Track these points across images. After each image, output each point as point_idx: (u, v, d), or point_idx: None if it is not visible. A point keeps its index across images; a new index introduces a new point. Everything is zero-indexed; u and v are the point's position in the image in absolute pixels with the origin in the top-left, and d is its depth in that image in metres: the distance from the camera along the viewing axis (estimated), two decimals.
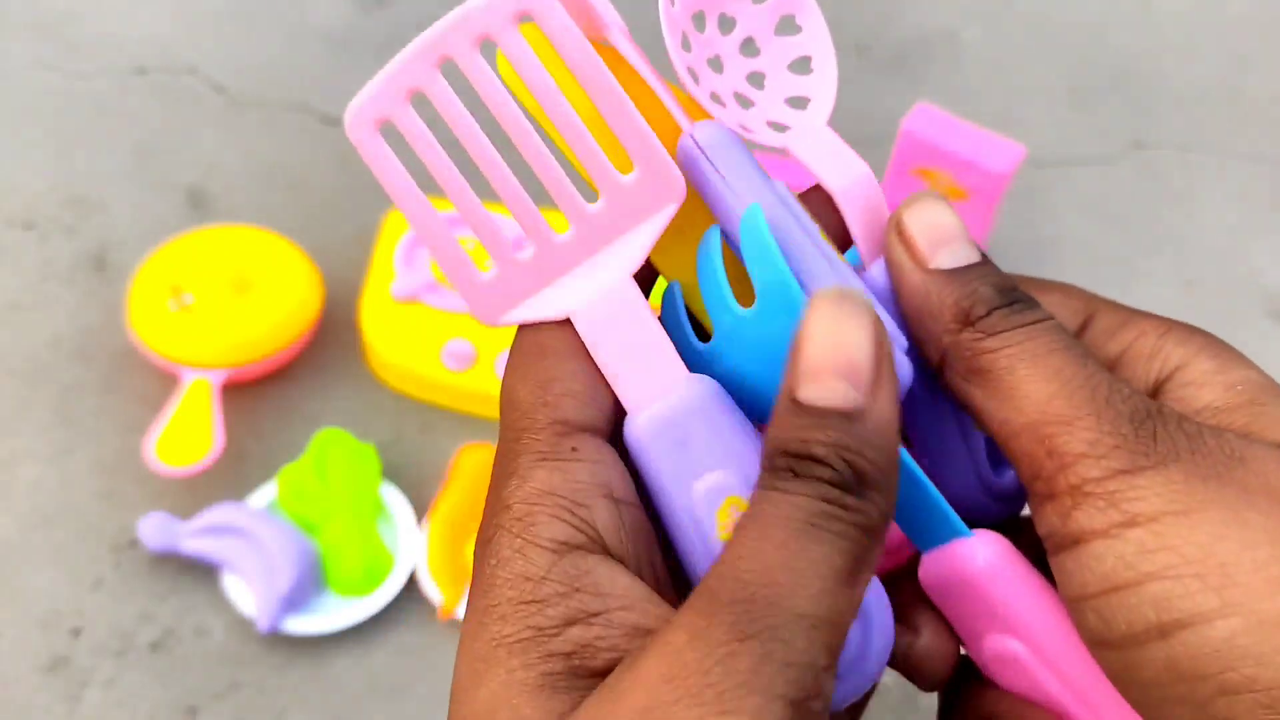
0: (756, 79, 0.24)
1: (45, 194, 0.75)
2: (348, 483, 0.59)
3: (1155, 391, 0.21)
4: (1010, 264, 0.84)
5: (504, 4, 0.20)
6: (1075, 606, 0.18)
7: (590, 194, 0.21)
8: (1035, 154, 0.83)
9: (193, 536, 0.56)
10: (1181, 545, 0.16)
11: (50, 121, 0.80)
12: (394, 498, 0.60)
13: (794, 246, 0.20)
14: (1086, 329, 0.23)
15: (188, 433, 0.59)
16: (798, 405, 0.18)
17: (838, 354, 0.17)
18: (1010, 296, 0.20)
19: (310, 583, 0.56)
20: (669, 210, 0.21)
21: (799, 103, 0.24)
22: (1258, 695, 0.15)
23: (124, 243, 0.72)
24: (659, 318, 0.21)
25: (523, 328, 0.21)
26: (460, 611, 0.56)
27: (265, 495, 0.59)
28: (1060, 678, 0.20)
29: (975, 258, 0.21)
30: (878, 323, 0.18)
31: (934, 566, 0.21)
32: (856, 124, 0.85)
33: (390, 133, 0.21)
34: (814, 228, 0.21)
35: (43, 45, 0.85)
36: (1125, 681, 0.18)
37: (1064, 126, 0.86)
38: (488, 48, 0.21)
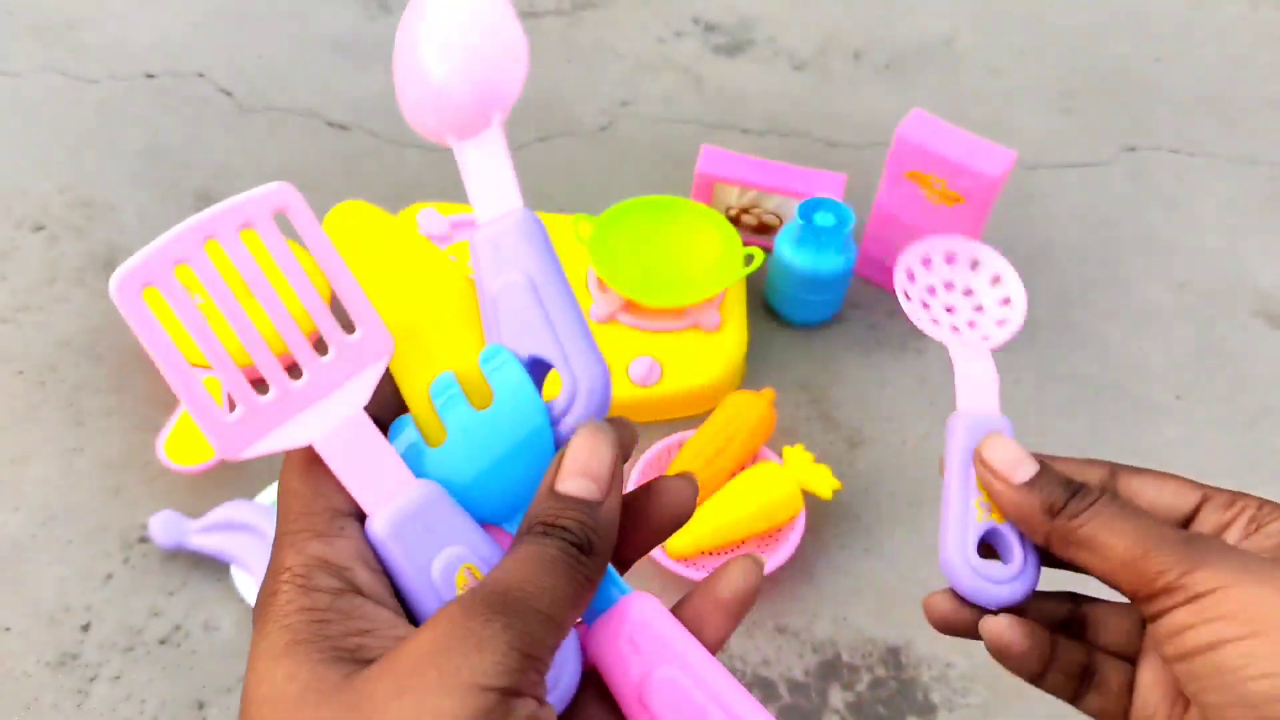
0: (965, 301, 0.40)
1: (55, 196, 0.76)
2: None
3: (1244, 541, 0.31)
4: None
5: (263, 202, 0.25)
6: (1169, 648, 0.29)
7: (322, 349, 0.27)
8: (1028, 158, 0.84)
9: (201, 533, 0.57)
10: (1227, 604, 0.28)
11: (60, 125, 0.81)
12: None
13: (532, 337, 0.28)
14: (1203, 506, 0.32)
15: (196, 431, 0.60)
16: (555, 494, 0.26)
17: (589, 464, 0.26)
18: (1073, 489, 0.31)
19: None
20: (384, 361, 0.26)
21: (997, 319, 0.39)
22: (1267, 683, 0.27)
23: (133, 244, 0.73)
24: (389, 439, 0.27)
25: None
26: None
27: (273, 493, 0.60)
28: (709, 694, 0.26)
29: (1037, 467, 0.32)
30: (617, 447, 0.27)
31: (609, 621, 0.27)
32: (853, 129, 0.87)
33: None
34: (565, 301, 0.28)
35: (52, 50, 0.86)
36: (1196, 681, 0.29)
37: (1056, 130, 0.87)
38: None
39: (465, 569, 0.26)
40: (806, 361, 0.70)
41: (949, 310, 0.41)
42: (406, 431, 0.27)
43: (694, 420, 0.65)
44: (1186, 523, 0.33)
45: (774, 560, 0.58)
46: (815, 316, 0.71)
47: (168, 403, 0.64)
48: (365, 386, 0.26)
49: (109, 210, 0.75)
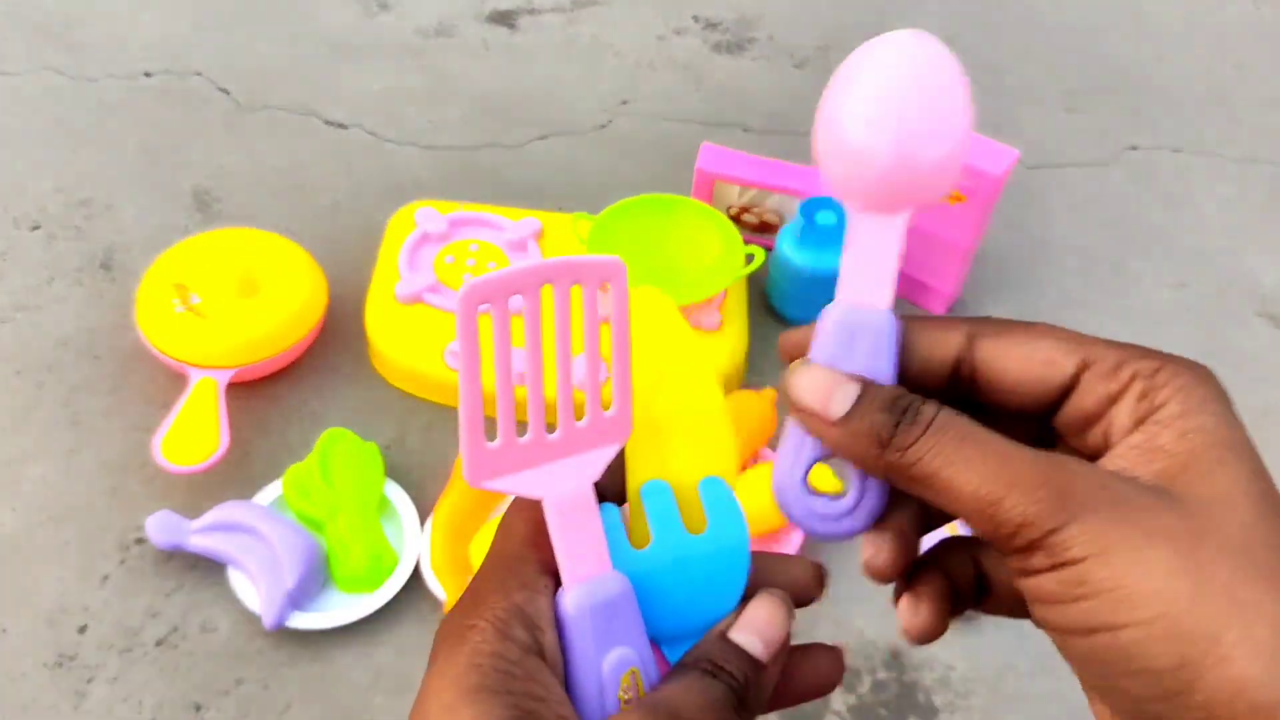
0: None
1: (52, 196, 0.76)
2: (352, 481, 0.59)
3: (1134, 429, 0.25)
4: (1005, 266, 0.84)
5: (599, 267, 0.27)
6: (1040, 613, 0.25)
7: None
8: (1030, 157, 0.84)
9: (199, 534, 0.57)
10: (1099, 578, 0.23)
11: (58, 124, 0.80)
12: (398, 496, 0.60)
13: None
14: (1083, 373, 0.26)
15: (194, 432, 0.59)
16: (727, 640, 0.27)
17: (765, 628, 0.27)
18: (897, 412, 0.26)
19: (315, 580, 0.57)
20: (619, 445, 0.27)
21: None
22: (1148, 678, 0.22)
23: (131, 244, 0.73)
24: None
25: None
26: None
27: (271, 493, 0.60)
28: None
29: (855, 392, 0.26)
30: (788, 624, 0.27)
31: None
32: None
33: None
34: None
35: (50, 49, 0.86)
36: (1073, 661, 0.24)
37: (1058, 130, 0.87)
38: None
39: (632, 673, 0.27)
40: None
41: None
42: (613, 518, 0.28)
43: None
44: (1063, 396, 0.27)
45: None
46: (817, 315, 0.71)
47: (165, 403, 0.64)
48: (601, 462, 0.27)
49: (107, 209, 0.75)
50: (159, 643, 0.56)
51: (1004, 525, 0.24)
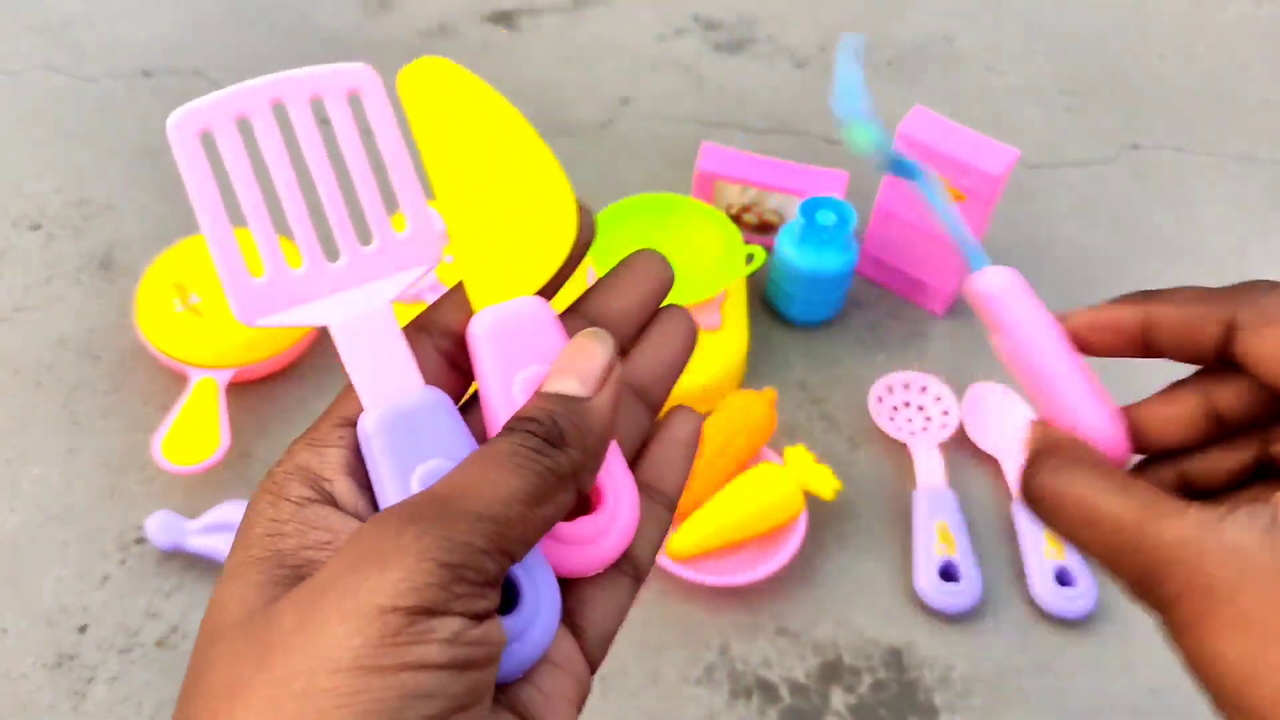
0: None
1: (51, 195, 0.76)
2: None
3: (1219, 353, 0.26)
4: (1006, 265, 0.84)
5: (339, 77, 0.25)
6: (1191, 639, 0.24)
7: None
8: (1030, 156, 0.84)
9: (199, 534, 0.57)
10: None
11: (57, 124, 0.80)
12: None
13: None
14: (1151, 329, 0.27)
15: (194, 432, 0.59)
16: (540, 393, 0.24)
17: (576, 363, 0.24)
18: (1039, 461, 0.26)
19: None
20: (423, 268, 0.26)
21: None
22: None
23: (130, 243, 0.73)
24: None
25: None
26: None
27: None
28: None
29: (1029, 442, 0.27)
30: (613, 351, 0.25)
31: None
32: None
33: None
34: None
35: (49, 48, 0.86)
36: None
37: (1058, 129, 0.87)
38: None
39: None
40: (808, 361, 0.70)
41: (909, 420, 0.65)
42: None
43: None
44: None
45: (775, 561, 0.58)
46: (817, 316, 0.71)
47: (165, 403, 0.64)
48: (399, 285, 0.25)
49: (106, 209, 0.75)
50: (159, 642, 0.56)
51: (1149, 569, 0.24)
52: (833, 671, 0.56)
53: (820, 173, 0.71)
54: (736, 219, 0.73)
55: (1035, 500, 0.26)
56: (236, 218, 0.25)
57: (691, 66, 0.90)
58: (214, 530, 0.57)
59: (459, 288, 0.26)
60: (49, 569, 0.58)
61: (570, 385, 0.24)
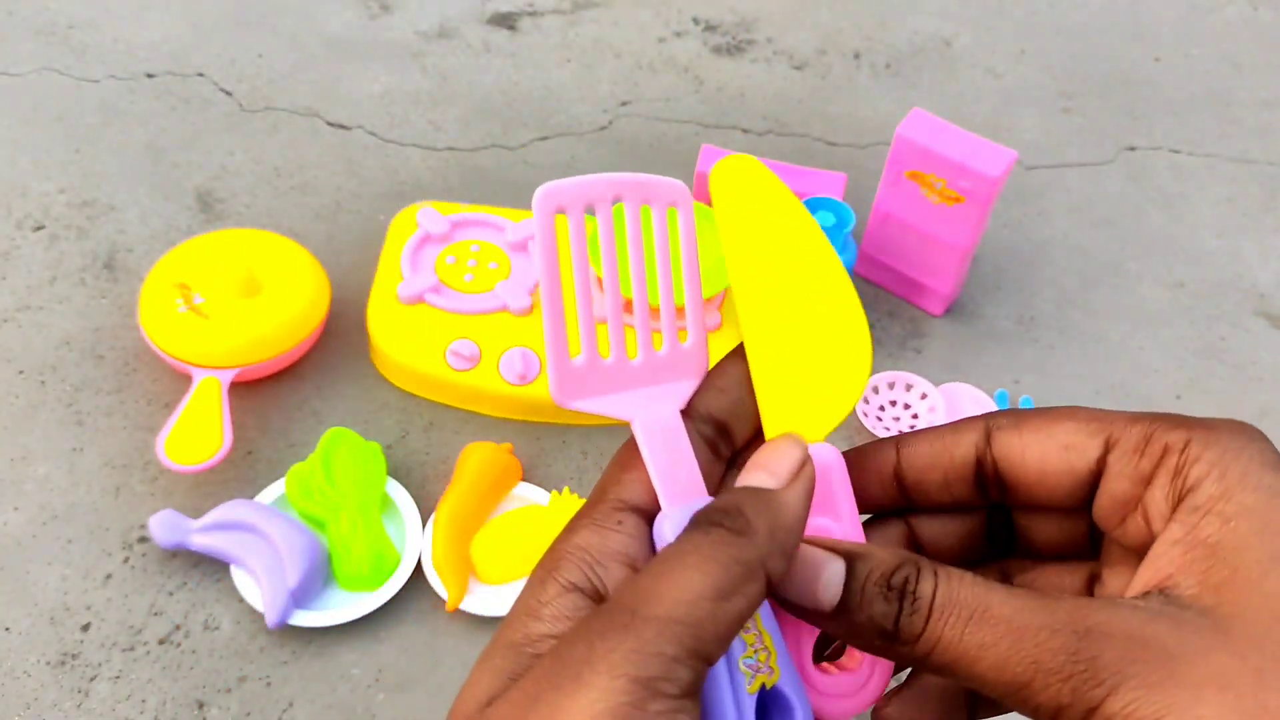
0: None
1: (55, 196, 0.76)
2: (354, 480, 0.60)
3: (1172, 515, 0.23)
4: (1003, 266, 0.84)
5: (665, 188, 0.26)
6: None
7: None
8: (1027, 157, 0.84)
9: (202, 533, 0.57)
10: None
11: (61, 125, 0.81)
12: (400, 495, 0.61)
13: None
14: (1109, 454, 0.25)
15: (197, 431, 0.60)
16: (729, 489, 0.24)
17: (770, 461, 0.24)
18: (895, 600, 0.23)
19: (318, 578, 0.57)
20: (696, 381, 0.27)
21: None
22: None
23: (133, 244, 0.73)
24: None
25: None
26: (465, 605, 0.57)
27: (273, 492, 0.60)
28: None
29: (841, 571, 0.24)
30: (805, 453, 0.25)
31: None
32: (853, 129, 0.87)
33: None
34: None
35: (53, 50, 0.86)
36: None
37: (1056, 130, 0.88)
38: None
39: None
40: None
41: (896, 420, 0.66)
42: None
43: None
44: (1093, 483, 0.25)
45: None
46: None
47: (168, 403, 0.64)
48: (685, 392, 0.26)
49: (109, 210, 0.75)
50: (162, 641, 0.56)
51: (1041, 710, 0.22)
52: None
53: (818, 174, 0.72)
54: None
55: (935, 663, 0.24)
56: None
57: (691, 68, 0.90)
58: (217, 529, 0.57)
59: (720, 373, 0.27)
60: (52, 567, 0.58)
61: (760, 478, 0.24)
